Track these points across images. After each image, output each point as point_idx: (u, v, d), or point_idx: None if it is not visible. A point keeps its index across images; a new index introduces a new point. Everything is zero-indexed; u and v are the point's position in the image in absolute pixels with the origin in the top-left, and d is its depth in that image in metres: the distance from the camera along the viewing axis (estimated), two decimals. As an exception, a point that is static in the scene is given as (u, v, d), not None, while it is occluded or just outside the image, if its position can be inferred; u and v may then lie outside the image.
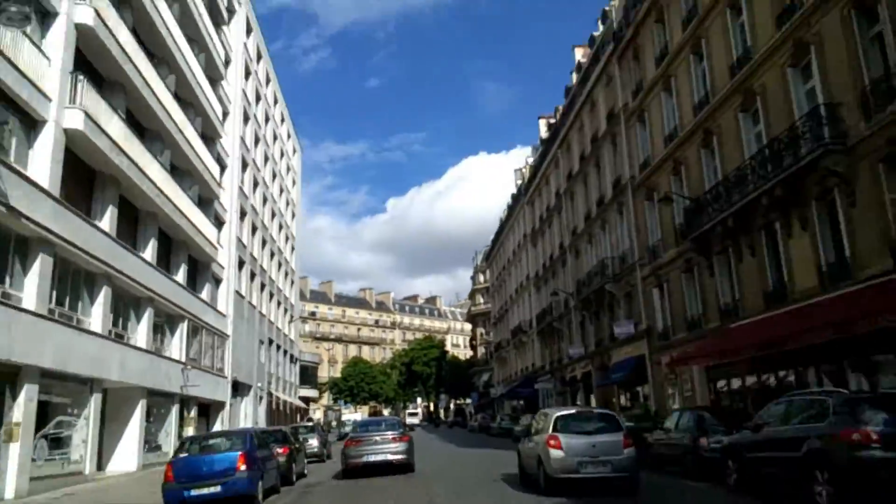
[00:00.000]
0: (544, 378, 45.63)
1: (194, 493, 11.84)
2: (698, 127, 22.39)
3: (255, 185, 41.20)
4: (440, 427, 72.12)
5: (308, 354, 66.39)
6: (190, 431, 26.34)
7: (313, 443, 24.31)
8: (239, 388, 35.89)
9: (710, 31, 21.68)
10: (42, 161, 16.27)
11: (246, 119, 39.07)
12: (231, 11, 36.96)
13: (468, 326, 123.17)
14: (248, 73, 40.29)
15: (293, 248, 56.61)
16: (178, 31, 25.67)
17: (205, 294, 30.39)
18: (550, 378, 44.45)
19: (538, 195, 49.23)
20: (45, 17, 16.90)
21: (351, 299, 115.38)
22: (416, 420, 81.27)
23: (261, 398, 39.83)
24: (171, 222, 24.85)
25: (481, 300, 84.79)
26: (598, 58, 34.86)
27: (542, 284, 47.85)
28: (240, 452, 12.46)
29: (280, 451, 16.34)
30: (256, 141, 42.03)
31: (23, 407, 14.81)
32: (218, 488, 11.91)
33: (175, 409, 25.45)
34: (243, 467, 12.19)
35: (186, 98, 27.84)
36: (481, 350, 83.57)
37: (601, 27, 36.41)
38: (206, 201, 30.63)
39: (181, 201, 25.49)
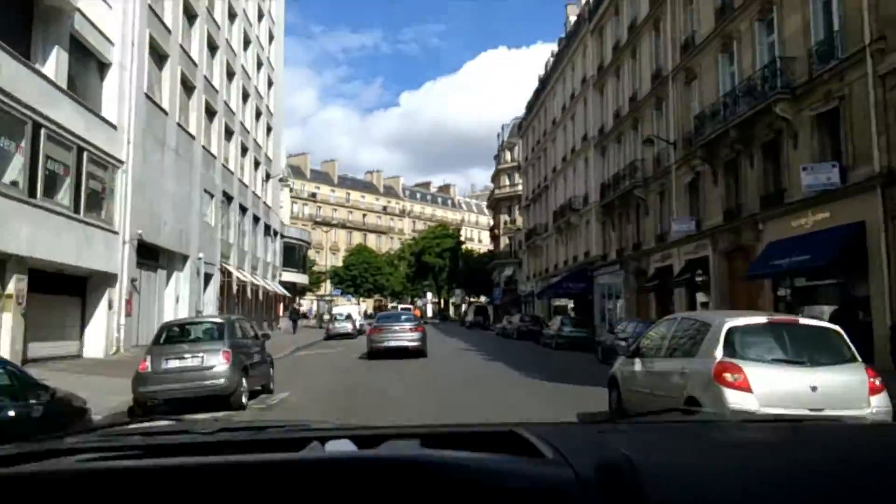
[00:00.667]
0: (609, 269, 33.05)
1: None
2: None
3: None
4: (446, 322, 62.62)
5: (295, 230, 53.32)
6: (6, 319, 13.91)
7: (212, 361, 10.93)
8: (158, 258, 23.38)
9: None
10: None
11: None
12: None
13: (484, 219, 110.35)
14: None
15: (271, 84, 42.16)
16: None
17: (65, 80, 17.04)
18: (619, 269, 31.82)
19: (612, 15, 34.81)
20: None
21: (357, 182, 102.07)
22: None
23: (207, 276, 27.35)
24: None
25: (506, 182, 71.42)
26: None
27: (610, 144, 34.34)
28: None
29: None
30: None
31: None
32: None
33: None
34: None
35: None
36: (504, 241, 70.98)
37: None
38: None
39: None
